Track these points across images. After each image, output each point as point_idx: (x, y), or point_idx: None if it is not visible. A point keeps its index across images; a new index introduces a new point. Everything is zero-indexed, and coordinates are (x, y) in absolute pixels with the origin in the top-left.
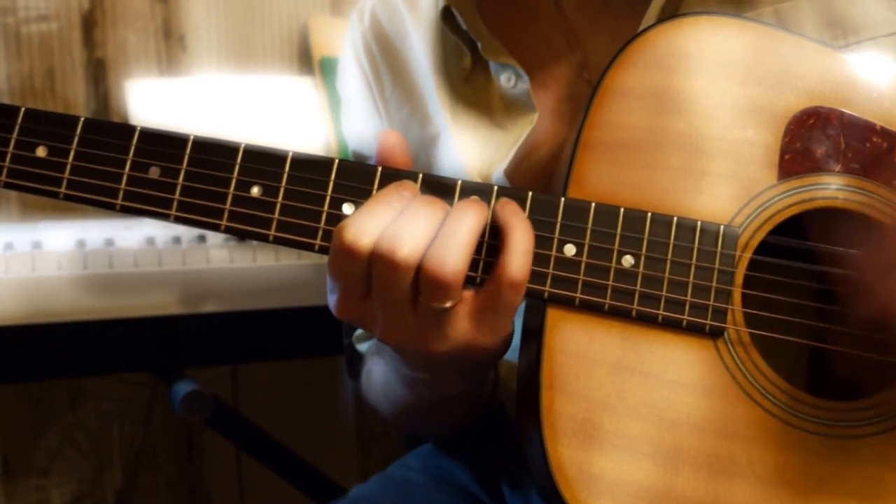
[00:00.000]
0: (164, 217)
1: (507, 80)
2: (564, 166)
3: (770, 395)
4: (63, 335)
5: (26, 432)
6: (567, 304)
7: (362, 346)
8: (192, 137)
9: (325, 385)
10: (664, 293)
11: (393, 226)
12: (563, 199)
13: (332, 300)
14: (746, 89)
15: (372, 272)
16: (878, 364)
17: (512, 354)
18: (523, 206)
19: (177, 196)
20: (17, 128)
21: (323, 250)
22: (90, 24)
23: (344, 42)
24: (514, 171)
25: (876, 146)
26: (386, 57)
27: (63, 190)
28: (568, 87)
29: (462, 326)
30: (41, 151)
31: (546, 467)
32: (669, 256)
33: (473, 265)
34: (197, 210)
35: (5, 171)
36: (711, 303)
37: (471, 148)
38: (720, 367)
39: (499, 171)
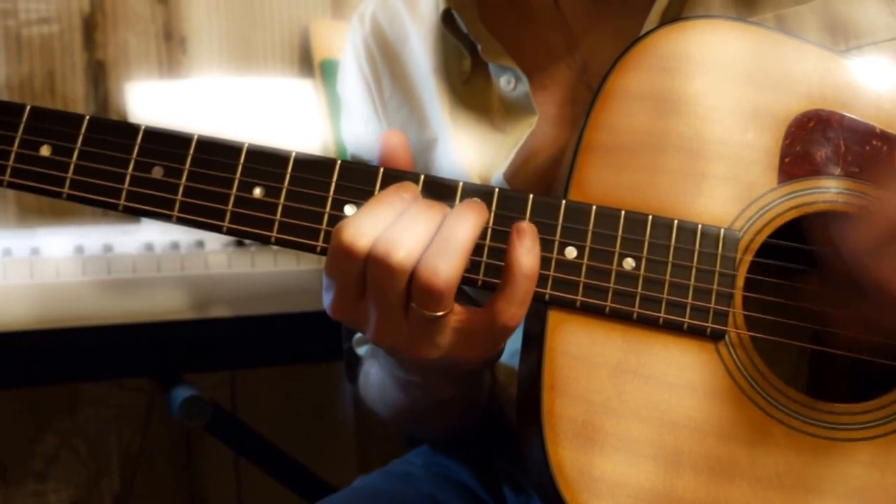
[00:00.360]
0: (166, 218)
1: (507, 82)
2: (565, 169)
3: (771, 397)
4: (61, 341)
5: (24, 438)
6: (568, 306)
7: (361, 350)
8: (195, 137)
9: (323, 390)
10: (665, 296)
11: (391, 229)
12: (564, 201)
13: (326, 299)
14: (747, 92)
15: (367, 274)
16: (879, 367)
17: (512, 359)
18: (524, 209)
19: (179, 197)
20: (22, 126)
21: (324, 252)
22: (91, 27)
23: (345, 45)
24: (513, 174)
25: (876, 149)
26: (386, 60)
27: (66, 190)
28: (568, 91)
29: (452, 338)
30: (45, 150)
31: (547, 469)
32: (670, 259)
33: (475, 267)
34: (199, 211)
35: (9, 170)
36: (712, 305)
37: (470, 150)
38: (721, 369)
39: (498, 173)
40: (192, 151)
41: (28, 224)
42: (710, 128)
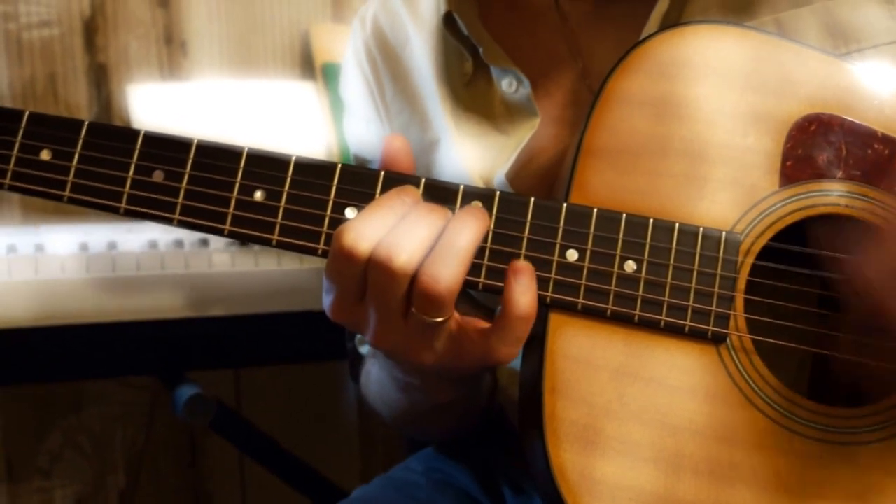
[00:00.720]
0: (167, 221)
1: (509, 85)
2: (566, 172)
3: (772, 401)
4: (66, 338)
5: (29, 435)
6: (569, 309)
7: (364, 348)
8: (195, 141)
9: (327, 389)
10: (666, 298)
11: (392, 233)
12: (565, 204)
13: (326, 301)
14: (748, 96)
15: (368, 277)
16: (880, 370)
17: (513, 361)
18: (525, 212)
19: (180, 200)
20: (21, 131)
21: (325, 254)
22: (92, 30)
23: (346, 48)
24: (515, 175)
25: (877, 153)
26: (387, 62)
27: (67, 193)
28: (569, 93)
29: (450, 345)
30: (45, 155)
31: (548, 472)
32: (672, 262)
33: (476, 270)
34: (200, 214)
35: (10, 174)
36: (714, 308)
37: (472, 152)
38: (722, 372)
39: (500, 174)
40: (192, 155)
41: (33, 221)
42: (710, 131)
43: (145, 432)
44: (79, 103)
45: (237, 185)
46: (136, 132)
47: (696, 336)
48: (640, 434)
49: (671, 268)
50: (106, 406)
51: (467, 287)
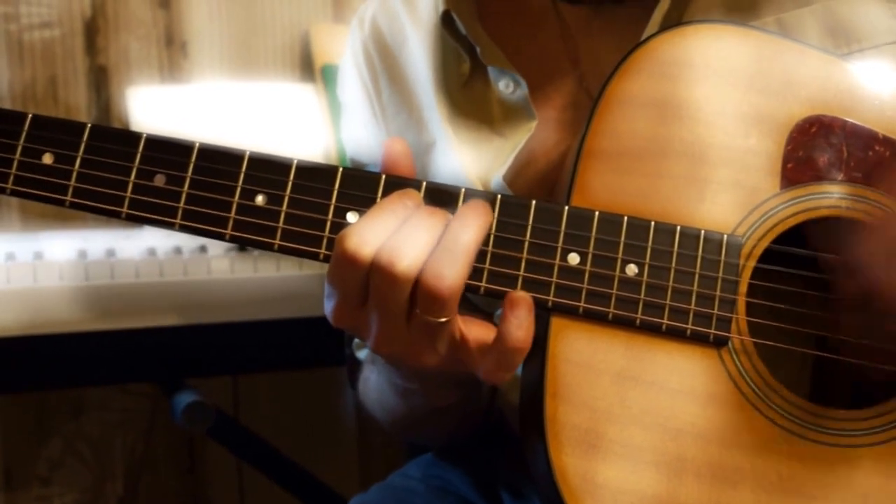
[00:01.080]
0: (168, 226)
1: (506, 86)
2: (567, 175)
3: (773, 404)
4: (65, 346)
5: (28, 442)
6: (571, 313)
7: (361, 354)
8: (197, 145)
9: (326, 395)
10: (668, 302)
11: (394, 237)
12: (566, 207)
13: (328, 306)
14: (749, 97)
15: (370, 282)
16: (882, 373)
17: None
18: (527, 215)
19: (181, 205)
20: (23, 134)
21: (327, 259)
22: (92, 31)
23: (345, 49)
24: (513, 178)
25: (878, 155)
26: (385, 63)
27: (69, 198)
28: (567, 95)
29: (453, 347)
30: (48, 158)
31: (550, 476)
32: (673, 265)
33: (477, 274)
34: (201, 219)
35: (12, 178)
36: (715, 312)
37: (469, 154)
38: (724, 376)
39: (497, 176)
40: (193, 159)
41: (31, 228)
42: (712, 133)
43: (144, 439)
44: (79, 105)
45: (239, 190)
46: (138, 136)
47: (698, 339)
48: (641, 438)
49: (673, 271)
50: (105, 413)
51: (469, 291)
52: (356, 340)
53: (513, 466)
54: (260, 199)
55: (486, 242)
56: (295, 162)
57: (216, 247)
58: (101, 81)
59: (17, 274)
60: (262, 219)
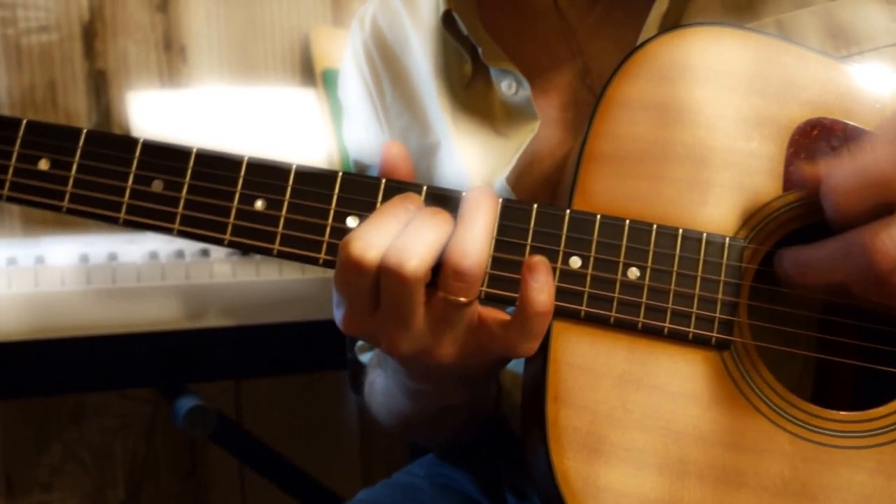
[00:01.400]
0: (167, 231)
1: (508, 86)
2: (569, 178)
3: (777, 406)
4: (66, 351)
5: (29, 448)
6: (572, 316)
7: (364, 357)
8: (195, 150)
9: (328, 399)
10: (670, 305)
11: (399, 238)
12: (568, 211)
13: (338, 315)
14: (750, 100)
15: (380, 286)
16: (883, 375)
17: (517, 365)
18: (528, 219)
19: (180, 210)
20: (19, 140)
21: (327, 264)
22: (91, 36)
23: (345, 50)
24: (516, 179)
25: None
26: (386, 64)
27: (66, 204)
28: (569, 95)
29: (472, 336)
30: (44, 164)
31: (552, 479)
32: (675, 268)
33: None
34: (200, 224)
35: (8, 184)
36: (717, 315)
37: (472, 156)
38: (726, 379)
39: (501, 178)
40: (191, 164)
41: (33, 233)
42: (713, 136)
43: (146, 444)
44: (78, 110)
45: (237, 195)
46: (134, 141)
47: (700, 343)
48: (644, 441)
49: (674, 274)
50: (106, 418)
51: None
52: (358, 344)
53: (515, 467)
54: (259, 205)
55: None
56: (294, 167)
57: (218, 251)
58: (101, 86)
59: (19, 279)
60: (261, 224)
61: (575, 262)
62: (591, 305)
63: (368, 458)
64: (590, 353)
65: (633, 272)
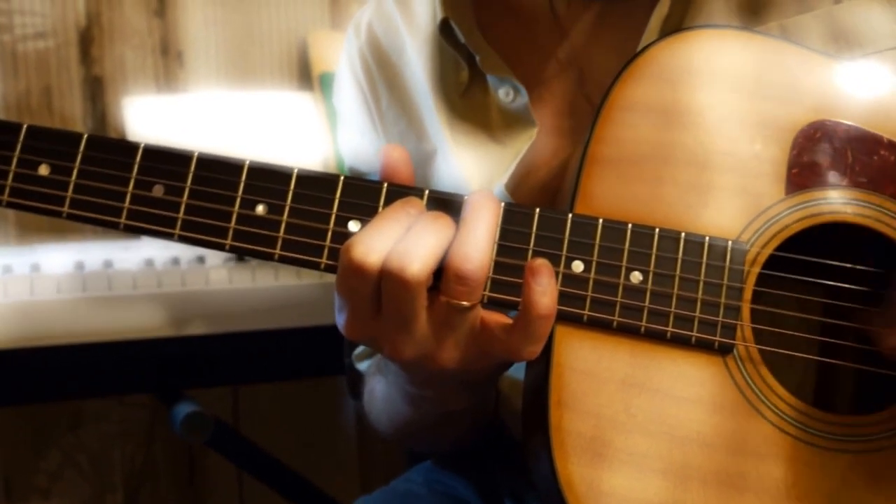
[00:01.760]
0: (167, 236)
1: (506, 94)
2: (570, 182)
3: (779, 410)
4: (63, 358)
5: (27, 454)
6: (575, 321)
7: (362, 366)
8: (196, 155)
9: (326, 405)
10: (673, 309)
11: (401, 243)
12: (570, 215)
13: (340, 320)
14: (753, 103)
15: (382, 290)
16: (886, 378)
17: (516, 371)
18: (531, 223)
19: (181, 215)
20: (19, 145)
21: (329, 268)
22: (87, 41)
23: (340, 56)
24: (515, 187)
25: (883, 159)
26: (382, 71)
27: (66, 209)
28: (566, 102)
29: (475, 340)
30: (44, 170)
31: (555, 485)
32: (678, 272)
33: None
34: (201, 229)
35: (7, 190)
36: (720, 319)
37: (470, 163)
38: (729, 383)
39: (499, 185)
40: (192, 169)
41: (28, 241)
42: (716, 139)
43: (144, 451)
44: (74, 116)
45: (238, 200)
46: (135, 145)
47: (703, 347)
48: (647, 446)
49: (677, 278)
50: (104, 425)
51: None
52: (356, 351)
53: (514, 473)
54: (260, 209)
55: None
56: (295, 171)
57: (214, 257)
58: (97, 91)
59: (14, 287)
60: (262, 229)
61: (577, 266)
62: (593, 310)
63: (366, 463)
64: (592, 357)
65: (636, 276)
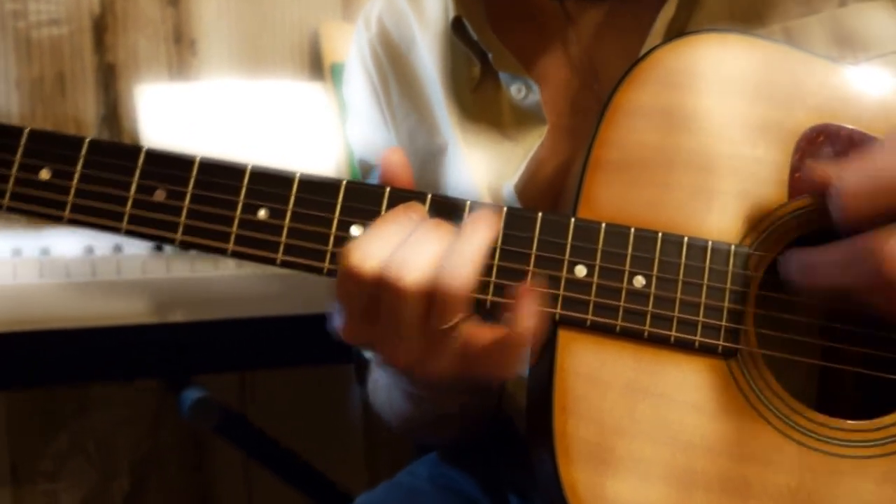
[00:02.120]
0: (169, 242)
1: (518, 91)
2: (574, 186)
3: (783, 415)
4: (71, 342)
5: (35, 438)
6: (578, 325)
7: (369, 352)
8: (198, 159)
9: (333, 392)
10: (676, 314)
11: (400, 250)
12: (573, 219)
13: (337, 323)
14: (756, 107)
15: (379, 297)
16: (889, 383)
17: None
18: (533, 227)
19: (182, 220)
20: (21, 149)
21: (332, 273)
22: (101, 29)
23: (350, 49)
24: (524, 187)
25: None
26: (393, 64)
27: (67, 214)
28: (574, 101)
29: (461, 357)
30: (45, 174)
31: (559, 490)
32: (681, 277)
33: (483, 287)
34: (203, 234)
35: (8, 194)
36: (724, 323)
37: (480, 160)
38: (733, 387)
39: (509, 185)
40: (194, 173)
41: (38, 224)
42: (719, 143)
43: (151, 436)
44: (86, 103)
45: (241, 204)
46: (137, 149)
47: (707, 351)
48: (651, 451)
49: (680, 282)
50: (111, 409)
51: (475, 306)
52: None
53: (518, 468)
54: (262, 214)
55: (491, 255)
56: (297, 175)
57: None
58: (110, 79)
59: (24, 270)
60: (264, 233)
61: (580, 270)
62: (596, 314)
63: (373, 450)
64: (596, 362)
65: (639, 281)
